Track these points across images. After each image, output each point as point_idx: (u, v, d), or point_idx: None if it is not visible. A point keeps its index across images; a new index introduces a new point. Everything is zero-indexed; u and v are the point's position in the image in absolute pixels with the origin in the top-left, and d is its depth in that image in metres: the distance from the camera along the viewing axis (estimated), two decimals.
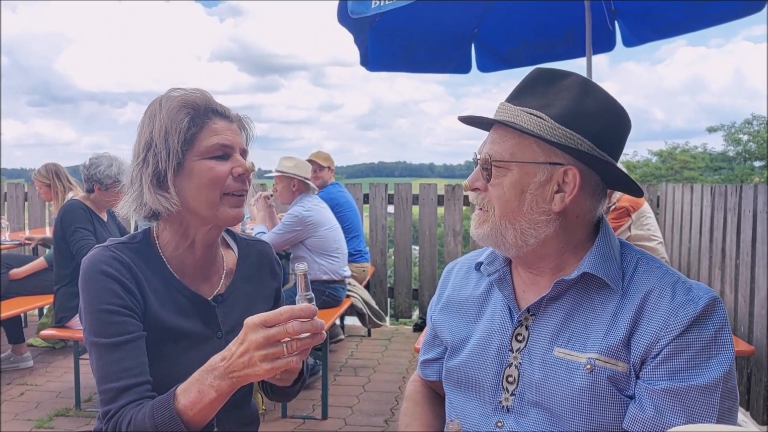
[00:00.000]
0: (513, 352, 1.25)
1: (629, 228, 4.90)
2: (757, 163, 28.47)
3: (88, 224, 3.77)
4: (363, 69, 3.78)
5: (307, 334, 1.08)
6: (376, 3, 2.64)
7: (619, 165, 1.27)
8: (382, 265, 6.35)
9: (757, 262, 3.69)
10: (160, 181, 1.34)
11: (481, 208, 1.24)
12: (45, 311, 5.19)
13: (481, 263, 1.36)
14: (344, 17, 3.09)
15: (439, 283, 1.51)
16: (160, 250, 1.41)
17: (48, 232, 5.65)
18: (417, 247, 6.50)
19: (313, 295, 1.15)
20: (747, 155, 28.75)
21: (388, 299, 6.38)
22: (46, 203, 7.01)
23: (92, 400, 4.05)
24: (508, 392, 1.25)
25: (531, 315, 1.25)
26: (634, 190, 1.26)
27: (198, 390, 1.14)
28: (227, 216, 1.36)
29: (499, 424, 1.24)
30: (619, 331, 1.15)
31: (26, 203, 7.06)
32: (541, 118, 1.17)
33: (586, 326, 1.18)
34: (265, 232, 4.24)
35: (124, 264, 1.33)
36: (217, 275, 1.49)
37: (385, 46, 3.74)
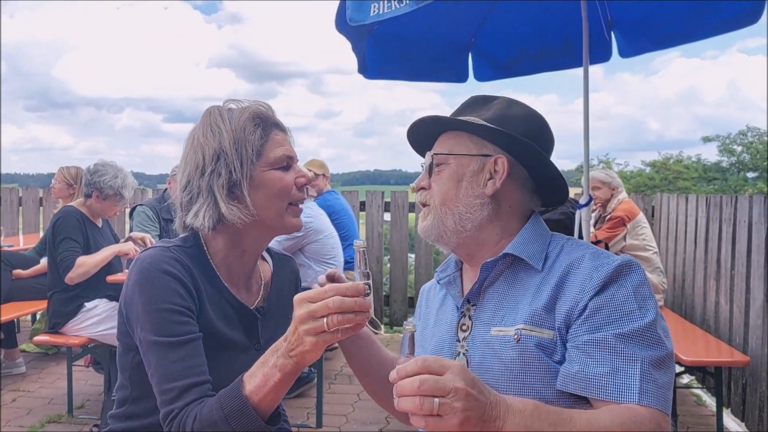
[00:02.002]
0: (460, 342, 1.34)
1: (624, 237, 4.92)
2: (750, 174, 28.62)
3: (78, 234, 3.74)
4: (361, 77, 3.78)
5: (351, 312, 1.08)
6: (374, 11, 2.64)
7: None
8: (378, 272, 6.35)
9: (752, 272, 3.70)
10: (233, 191, 1.35)
11: (425, 204, 1.39)
12: (38, 317, 5.16)
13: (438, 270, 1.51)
14: (342, 25, 3.10)
15: (418, 302, 1.62)
16: (210, 257, 1.41)
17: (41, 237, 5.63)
18: (413, 255, 6.50)
19: (369, 271, 1.16)
20: (741, 166, 28.91)
21: (384, 307, 6.37)
22: (41, 208, 6.99)
23: (85, 406, 4.03)
24: None
25: (472, 305, 1.36)
26: (561, 187, 1.39)
27: (263, 373, 1.15)
28: (291, 224, 1.40)
29: None
30: (542, 299, 1.24)
31: (20, 208, 7.03)
32: (474, 120, 1.36)
33: (516, 303, 1.28)
34: None
35: (184, 266, 1.33)
36: (257, 286, 1.50)
37: (383, 54, 3.74)
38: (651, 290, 1.23)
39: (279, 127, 1.43)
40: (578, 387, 1.15)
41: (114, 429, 1.40)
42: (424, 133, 1.44)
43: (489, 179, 1.34)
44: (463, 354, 1.33)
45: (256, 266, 1.51)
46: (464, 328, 1.35)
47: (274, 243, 4.50)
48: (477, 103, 1.43)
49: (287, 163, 1.40)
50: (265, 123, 1.39)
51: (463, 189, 1.34)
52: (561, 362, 1.21)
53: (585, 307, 1.19)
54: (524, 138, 1.32)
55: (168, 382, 1.23)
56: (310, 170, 5.27)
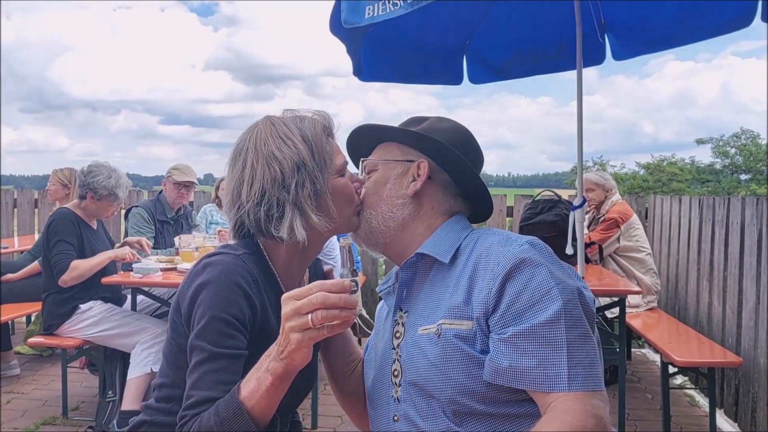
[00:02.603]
0: (394, 349, 1.38)
1: (618, 239, 4.94)
2: (743, 176, 28.75)
3: (72, 236, 3.73)
4: (357, 80, 3.79)
5: (336, 308, 1.08)
6: (369, 13, 2.65)
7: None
8: (373, 274, 6.35)
9: (744, 274, 3.73)
10: (318, 201, 1.36)
11: (358, 213, 1.44)
12: (33, 318, 5.15)
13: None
14: (337, 27, 3.10)
15: None
16: (271, 263, 1.41)
17: (36, 239, 5.62)
18: None
19: (357, 270, 1.18)
20: (734, 168, 29.03)
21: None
22: (36, 210, 6.97)
23: (79, 408, 4.02)
24: (396, 385, 1.36)
25: (404, 312, 1.39)
26: (484, 198, 1.46)
27: (257, 377, 1.15)
28: (355, 225, 1.45)
29: (396, 417, 1.35)
30: (458, 293, 1.27)
31: (15, 210, 7.01)
32: (405, 129, 1.45)
33: (438, 301, 1.32)
34: None
35: (253, 277, 1.32)
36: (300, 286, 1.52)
37: (378, 56, 3.75)
38: (561, 264, 1.25)
39: (333, 135, 1.47)
40: (510, 381, 1.18)
41: (157, 420, 1.39)
42: (362, 145, 1.52)
43: (411, 182, 1.41)
44: (397, 360, 1.36)
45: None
46: (398, 335, 1.38)
47: None
48: (412, 121, 1.50)
49: (345, 170, 1.44)
50: (331, 132, 1.44)
51: (387, 190, 1.41)
52: (484, 351, 1.22)
53: (500, 294, 1.20)
54: (444, 145, 1.39)
55: (193, 389, 1.23)
56: None
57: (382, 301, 1.56)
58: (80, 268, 3.67)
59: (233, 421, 1.14)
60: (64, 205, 4.02)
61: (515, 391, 1.20)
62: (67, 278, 3.64)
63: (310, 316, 1.07)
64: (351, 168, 1.48)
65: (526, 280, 1.19)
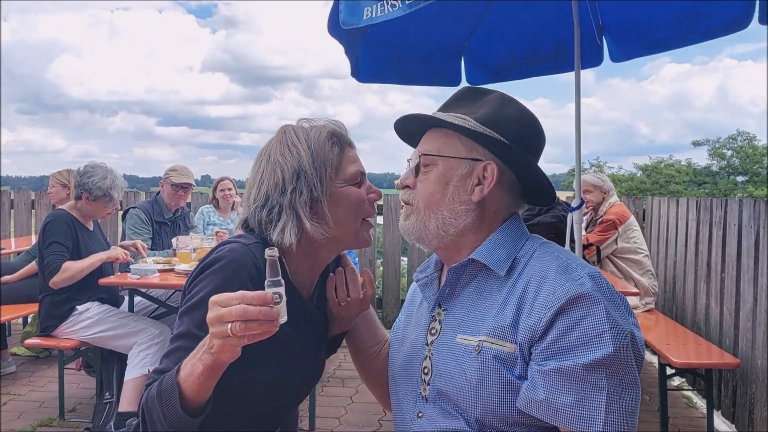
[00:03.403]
0: (428, 345, 1.35)
1: (616, 241, 4.95)
2: (740, 178, 28.83)
3: (67, 239, 3.72)
4: (355, 82, 3.80)
5: (255, 321, 1.08)
6: (367, 14, 2.65)
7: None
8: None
9: (742, 275, 3.74)
10: (314, 208, 1.38)
11: (408, 203, 1.36)
12: (29, 320, 5.14)
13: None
14: (335, 28, 3.10)
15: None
16: (284, 261, 1.41)
17: (33, 240, 5.61)
18: (406, 258, 6.51)
19: (281, 280, 1.15)
20: (730, 170, 29.10)
21: (377, 309, 6.37)
22: (33, 211, 6.96)
23: (76, 410, 4.01)
24: (425, 383, 1.33)
25: (443, 310, 1.35)
26: (548, 191, 1.37)
27: (192, 363, 1.17)
28: (364, 239, 1.44)
29: (420, 414, 1.33)
30: (507, 312, 1.22)
31: (12, 211, 6.99)
32: (465, 119, 1.30)
33: (483, 312, 1.26)
34: None
35: (258, 268, 1.33)
36: (311, 286, 1.52)
37: (376, 57, 3.76)
38: (620, 306, 1.18)
39: (351, 144, 1.47)
40: (543, 414, 1.14)
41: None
42: (413, 130, 1.42)
43: (477, 185, 1.30)
44: (429, 358, 1.33)
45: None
46: (433, 332, 1.35)
47: None
48: (468, 97, 1.38)
49: (360, 179, 1.43)
50: (341, 141, 1.43)
51: (450, 193, 1.30)
52: (521, 377, 1.18)
53: (549, 326, 1.15)
54: (516, 144, 1.29)
55: (165, 356, 1.29)
56: None
57: (415, 284, 1.53)
58: (72, 269, 3.66)
59: (168, 397, 1.19)
60: (60, 207, 4.02)
61: (546, 424, 1.17)
62: (57, 280, 3.63)
63: (230, 325, 1.07)
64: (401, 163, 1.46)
65: (579, 317, 1.13)
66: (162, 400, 1.20)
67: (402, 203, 1.39)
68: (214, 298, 1.11)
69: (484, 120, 1.30)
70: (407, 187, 1.37)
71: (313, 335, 1.50)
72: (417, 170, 1.35)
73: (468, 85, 4.12)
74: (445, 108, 1.38)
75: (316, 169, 1.37)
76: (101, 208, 3.88)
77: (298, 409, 1.66)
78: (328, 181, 1.38)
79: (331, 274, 1.54)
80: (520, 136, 1.31)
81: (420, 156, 1.34)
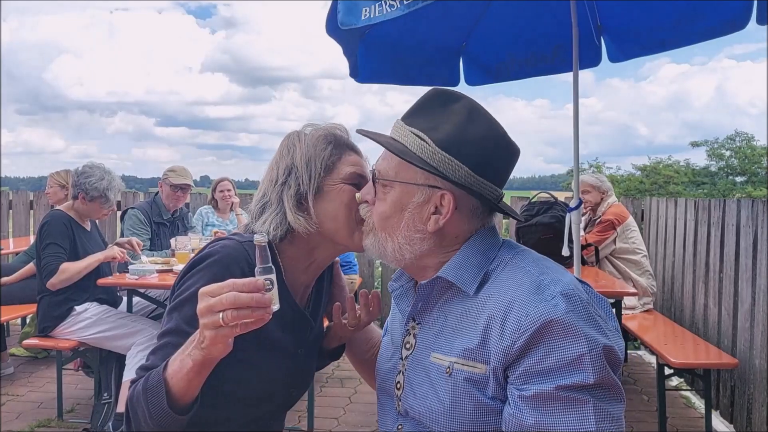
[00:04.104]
0: (402, 360, 1.32)
1: (614, 241, 4.95)
2: (738, 179, 28.85)
3: (64, 239, 3.72)
4: (354, 82, 3.80)
5: (247, 308, 1.07)
6: (365, 15, 2.65)
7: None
8: (370, 276, 6.35)
9: (740, 275, 3.74)
10: (300, 202, 1.40)
11: (365, 220, 1.34)
12: (28, 320, 5.13)
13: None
14: (333, 28, 3.10)
15: None
16: (279, 259, 1.42)
17: (31, 241, 5.61)
18: None
19: (272, 267, 1.14)
20: (729, 170, 29.12)
21: None
22: (31, 211, 6.95)
23: (75, 410, 4.01)
24: (398, 398, 1.31)
25: (417, 324, 1.31)
26: (512, 215, 1.35)
27: (180, 360, 1.17)
28: (360, 242, 1.39)
29: (400, 426, 1.32)
30: (476, 332, 1.17)
31: (10, 211, 6.99)
32: (425, 141, 1.22)
33: (455, 331, 1.22)
34: None
35: (250, 265, 1.32)
36: (305, 292, 1.52)
37: (375, 58, 3.75)
38: (598, 321, 1.12)
39: (354, 149, 1.47)
40: None
41: None
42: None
43: (433, 213, 1.24)
44: (403, 372, 1.31)
45: None
46: (408, 346, 1.32)
47: None
48: (435, 104, 1.29)
49: (359, 181, 1.43)
50: (337, 142, 1.44)
51: (405, 220, 1.25)
52: (495, 398, 1.15)
53: (524, 350, 1.10)
54: (479, 169, 1.22)
55: (153, 353, 1.28)
56: None
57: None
58: (69, 270, 3.65)
59: (154, 394, 1.18)
60: (57, 207, 4.02)
61: None
62: (55, 281, 3.63)
63: (221, 314, 1.06)
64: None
65: (555, 342, 1.09)
66: (148, 396, 1.19)
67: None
68: (203, 289, 1.10)
69: (445, 142, 1.22)
70: (365, 201, 1.33)
71: (302, 341, 1.49)
72: (376, 189, 1.30)
73: (465, 86, 4.13)
74: (409, 116, 1.29)
75: (306, 165, 1.40)
76: (97, 209, 3.88)
77: (284, 416, 1.64)
78: (318, 177, 1.40)
79: (337, 303, 1.54)
80: (483, 161, 1.23)
81: (379, 176, 1.29)
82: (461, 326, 1.22)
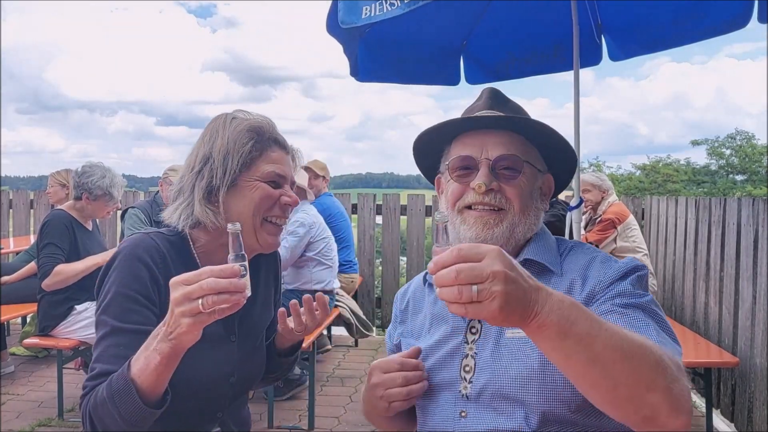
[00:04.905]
0: (468, 344, 1.33)
1: (615, 240, 4.95)
2: (739, 177, 28.86)
3: (63, 240, 3.71)
4: (355, 81, 3.79)
5: (225, 293, 1.08)
6: (366, 13, 2.65)
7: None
8: (370, 275, 6.35)
9: (741, 274, 3.74)
10: (211, 195, 1.40)
11: (498, 208, 1.32)
12: (28, 320, 5.14)
13: (426, 275, 1.48)
14: (334, 27, 3.10)
15: (395, 309, 1.58)
16: (194, 251, 1.44)
17: (31, 240, 5.61)
18: (405, 258, 6.51)
19: (244, 254, 1.16)
20: (729, 169, 29.13)
21: (376, 309, 6.37)
22: (31, 210, 6.95)
23: (75, 410, 4.00)
24: (466, 381, 1.31)
25: None
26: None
27: (145, 356, 1.17)
28: (265, 242, 1.43)
29: (463, 413, 1.30)
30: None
31: (11, 210, 6.99)
32: (566, 140, 1.36)
33: None
34: None
35: (161, 254, 1.36)
36: None
37: (375, 56, 3.75)
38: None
39: (279, 144, 1.46)
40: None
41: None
42: (436, 138, 1.40)
43: (541, 194, 1.38)
44: (471, 356, 1.31)
45: None
46: (474, 330, 1.33)
47: (283, 251, 4.39)
48: (499, 99, 1.41)
49: (277, 180, 1.42)
50: (261, 137, 1.42)
51: (534, 200, 1.36)
52: None
53: (621, 279, 1.24)
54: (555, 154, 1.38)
55: (98, 361, 1.28)
56: (310, 169, 5.22)
57: (411, 287, 1.53)
58: (64, 272, 3.65)
59: (123, 397, 1.18)
60: (59, 207, 4.01)
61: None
62: (50, 283, 3.63)
63: (200, 301, 1.08)
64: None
65: (630, 281, 1.24)
66: (116, 401, 1.18)
67: (481, 208, 1.32)
68: (176, 279, 1.11)
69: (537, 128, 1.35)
70: (492, 190, 1.31)
71: (231, 328, 1.47)
72: (507, 173, 1.32)
73: (466, 84, 4.12)
74: (492, 107, 1.38)
75: (223, 158, 1.39)
76: (102, 208, 3.88)
77: (247, 410, 1.63)
78: (233, 173, 1.39)
79: (282, 309, 1.52)
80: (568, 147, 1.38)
81: (511, 159, 1.32)
82: None
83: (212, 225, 1.39)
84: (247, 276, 1.14)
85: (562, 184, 1.46)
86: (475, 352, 1.31)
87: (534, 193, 1.35)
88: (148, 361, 1.15)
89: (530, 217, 1.34)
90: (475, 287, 0.89)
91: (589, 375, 0.99)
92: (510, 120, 1.34)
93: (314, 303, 1.48)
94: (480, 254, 0.91)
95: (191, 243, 1.44)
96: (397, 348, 1.51)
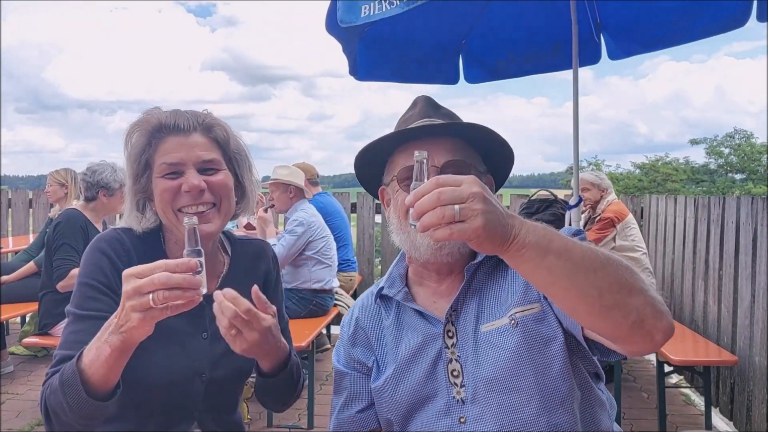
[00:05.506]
0: (449, 349, 1.33)
1: (614, 238, 4.95)
2: (738, 176, 28.88)
3: (78, 241, 3.70)
4: (354, 80, 3.79)
5: (179, 288, 1.05)
6: (365, 12, 2.65)
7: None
8: (369, 274, 6.35)
9: (740, 273, 3.74)
10: (138, 203, 1.43)
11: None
12: (27, 319, 5.14)
13: (381, 291, 1.46)
14: (333, 26, 3.10)
15: (344, 330, 1.53)
16: (164, 245, 1.45)
17: (30, 240, 5.60)
18: None
19: (201, 249, 1.13)
20: (728, 168, 29.15)
21: None
22: (30, 210, 6.95)
23: None
24: (457, 386, 1.31)
25: (453, 311, 1.35)
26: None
27: (96, 347, 1.14)
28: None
29: (462, 419, 1.29)
30: (517, 282, 1.30)
31: (10, 210, 6.98)
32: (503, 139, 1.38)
33: (498, 296, 1.32)
34: (275, 244, 4.19)
35: (125, 248, 1.38)
36: (215, 277, 1.50)
37: (375, 55, 3.75)
38: None
39: (172, 130, 1.40)
40: None
41: None
42: (383, 147, 1.39)
43: None
44: (455, 360, 1.31)
45: (215, 259, 1.52)
46: (450, 335, 1.33)
47: (279, 248, 4.36)
48: (432, 105, 1.43)
49: (172, 170, 1.38)
50: (150, 131, 1.40)
51: None
52: (558, 325, 1.25)
53: None
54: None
55: (60, 348, 1.30)
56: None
57: (359, 309, 1.49)
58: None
59: (70, 387, 1.16)
60: (74, 207, 3.99)
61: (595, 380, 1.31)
62: (64, 284, 3.63)
63: (151, 296, 1.04)
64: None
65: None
66: (64, 389, 1.17)
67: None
68: (129, 271, 1.08)
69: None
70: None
71: (202, 325, 1.44)
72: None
73: (465, 84, 4.12)
74: (428, 114, 1.39)
75: (128, 165, 1.42)
76: (120, 202, 3.89)
77: (239, 415, 1.57)
78: (142, 177, 1.41)
79: (255, 287, 1.41)
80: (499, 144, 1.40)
81: (453, 163, 1.32)
82: (500, 287, 1.33)
83: (144, 228, 1.43)
84: (203, 273, 1.10)
85: (499, 183, 1.48)
86: (458, 355, 1.31)
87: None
88: (98, 353, 1.13)
89: None
90: (457, 206, 0.93)
91: (574, 287, 1.03)
92: (455, 126, 1.37)
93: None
94: (458, 180, 0.96)
95: (163, 240, 1.46)
96: (363, 367, 1.46)
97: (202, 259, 1.11)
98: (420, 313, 1.38)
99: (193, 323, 1.43)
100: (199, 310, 1.40)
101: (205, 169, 1.40)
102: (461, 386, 1.29)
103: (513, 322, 1.26)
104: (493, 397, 1.26)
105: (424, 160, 1.08)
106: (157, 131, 1.39)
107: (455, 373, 1.31)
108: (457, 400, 1.30)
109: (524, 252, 0.99)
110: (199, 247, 1.13)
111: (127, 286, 1.07)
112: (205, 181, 1.38)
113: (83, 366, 1.15)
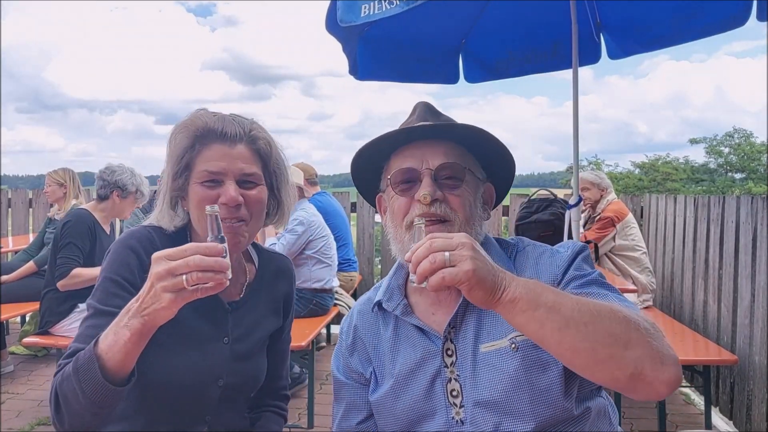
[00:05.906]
0: (448, 368, 1.29)
1: (614, 238, 4.95)
2: (737, 175, 28.89)
3: (84, 241, 3.70)
4: (354, 80, 3.79)
5: (210, 271, 1.08)
6: (365, 12, 2.65)
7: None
8: (369, 273, 6.35)
9: (740, 272, 3.74)
10: (172, 200, 1.43)
11: (443, 220, 1.29)
12: (27, 319, 5.13)
13: (379, 303, 1.41)
14: (333, 25, 3.10)
15: (342, 337, 1.51)
16: (189, 241, 1.44)
17: (30, 240, 5.60)
18: None
19: (224, 237, 1.15)
20: (728, 167, 29.17)
21: None
22: (30, 209, 6.94)
23: None
24: (456, 406, 1.28)
25: (452, 328, 1.31)
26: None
27: (114, 332, 1.15)
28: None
29: None
30: None
31: (9, 210, 6.98)
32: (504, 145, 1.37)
33: (497, 315, 1.23)
34: (275, 243, 4.20)
35: (154, 246, 1.36)
36: (239, 285, 1.52)
37: (375, 55, 3.75)
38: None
39: (219, 138, 1.39)
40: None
41: None
42: (383, 149, 1.37)
43: (483, 204, 1.38)
44: (454, 379, 1.28)
45: (240, 266, 1.54)
46: (449, 353, 1.30)
47: (280, 247, 4.38)
48: (432, 112, 1.39)
49: (212, 178, 1.37)
50: (196, 135, 1.39)
51: (478, 209, 1.35)
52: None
53: (561, 279, 1.28)
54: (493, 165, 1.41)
55: (75, 340, 1.30)
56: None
57: (355, 318, 1.47)
58: (81, 276, 3.65)
59: (86, 372, 1.16)
60: (83, 207, 3.99)
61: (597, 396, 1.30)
62: (65, 283, 3.63)
63: (185, 276, 1.07)
64: None
65: (578, 265, 1.31)
66: (79, 375, 1.17)
67: (425, 218, 1.25)
68: (159, 253, 1.10)
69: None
70: (437, 200, 1.29)
71: (224, 330, 1.45)
72: (450, 182, 1.31)
73: (465, 83, 4.12)
74: (427, 118, 1.37)
75: (170, 167, 1.41)
76: (130, 205, 3.91)
77: (248, 422, 1.58)
78: (180, 178, 1.41)
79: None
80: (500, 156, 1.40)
81: (448, 166, 1.30)
82: None
83: (173, 228, 1.43)
84: (228, 258, 1.12)
85: (502, 193, 1.46)
86: (457, 375, 1.28)
87: (477, 201, 1.35)
88: (117, 337, 1.14)
89: (476, 227, 1.33)
90: (447, 253, 1.02)
91: (566, 340, 1.05)
92: (449, 128, 1.34)
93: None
94: (449, 234, 1.07)
95: (190, 239, 1.45)
96: (360, 377, 1.44)
97: (226, 245, 1.13)
98: (419, 329, 1.35)
99: (216, 327, 1.45)
100: (222, 316, 1.45)
101: (245, 181, 1.40)
102: (460, 406, 1.27)
103: (514, 345, 1.23)
104: (491, 419, 1.24)
105: (216, 214, 1.13)
106: (202, 135, 1.39)
107: (454, 393, 1.28)
108: (456, 421, 1.27)
109: (516, 304, 1.04)
110: (222, 234, 1.15)
111: (158, 268, 1.09)
112: (242, 194, 1.38)
113: (100, 351, 1.16)
